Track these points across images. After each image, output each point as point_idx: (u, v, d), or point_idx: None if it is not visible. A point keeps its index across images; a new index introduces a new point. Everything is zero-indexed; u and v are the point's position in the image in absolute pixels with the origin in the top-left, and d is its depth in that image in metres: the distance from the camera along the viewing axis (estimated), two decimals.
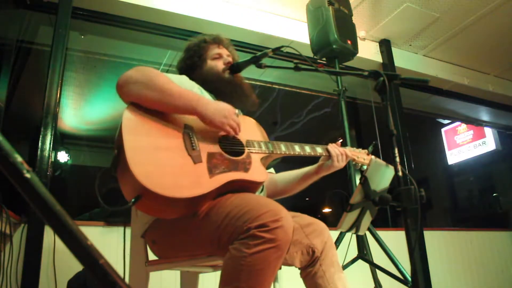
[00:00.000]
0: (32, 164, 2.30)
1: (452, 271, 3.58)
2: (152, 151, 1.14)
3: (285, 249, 1.08)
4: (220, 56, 1.59)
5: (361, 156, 1.67)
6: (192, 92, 1.27)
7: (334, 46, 2.60)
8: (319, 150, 1.55)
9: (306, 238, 1.37)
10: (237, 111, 1.36)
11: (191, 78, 1.51)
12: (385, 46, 3.83)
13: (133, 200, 1.08)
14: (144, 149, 1.13)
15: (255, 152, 1.36)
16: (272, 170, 1.67)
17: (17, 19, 2.98)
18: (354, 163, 1.65)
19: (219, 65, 1.56)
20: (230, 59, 1.60)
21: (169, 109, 1.23)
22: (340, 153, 1.56)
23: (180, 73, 1.61)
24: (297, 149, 1.49)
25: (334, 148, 1.57)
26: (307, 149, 1.52)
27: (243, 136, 1.37)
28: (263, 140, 1.43)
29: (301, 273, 1.41)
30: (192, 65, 1.58)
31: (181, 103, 1.22)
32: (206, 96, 1.46)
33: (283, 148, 1.44)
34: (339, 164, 1.56)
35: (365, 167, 1.67)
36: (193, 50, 1.60)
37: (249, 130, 1.44)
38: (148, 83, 1.20)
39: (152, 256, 1.35)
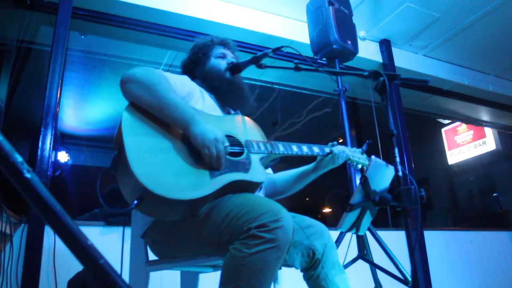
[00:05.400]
0: (32, 164, 2.30)
1: (452, 271, 3.58)
2: (154, 152, 1.14)
3: (285, 249, 1.08)
4: (224, 56, 1.60)
5: (356, 155, 1.68)
6: (190, 107, 1.25)
7: (334, 46, 2.59)
8: (316, 150, 1.56)
9: (306, 240, 1.37)
10: (235, 116, 1.36)
11: (193, 75, 1.51)
12: (385, 46, 3.83)
13: (135, 202, 1.07)
14: (145, 150, 1.12)
15: (255, 153, 1.36)
16: (270, 170, 1.68)
17: (17, 19, 2.98)
18: (349, 161, 1.66)
19: (222, 64, 1.57)
20: (234, 60, 1.61)
21: (163, 118, 1.21)
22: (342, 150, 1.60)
23: (183, 71, 1.62)
24: (295, 149, 1.49)
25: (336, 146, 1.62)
26: (305, 149, 1.52)
27: (242, 137, 1.38)
28: (261, 140, 1.43)
29: (304, 276, 1.41)
30: (196, 60, 1.60)
31: (174, 116, 1.20)
32: (206, 98, 1.46)
33: (281, 148, 1.44)
34: (338, 161, 1.59)
35: (359, 166, 1.69)
36: (199, 47, 1.63)
37: (248, 130, 1.44)
38: (149, 87, 1.20)
39: (152, 256, 1.35)
